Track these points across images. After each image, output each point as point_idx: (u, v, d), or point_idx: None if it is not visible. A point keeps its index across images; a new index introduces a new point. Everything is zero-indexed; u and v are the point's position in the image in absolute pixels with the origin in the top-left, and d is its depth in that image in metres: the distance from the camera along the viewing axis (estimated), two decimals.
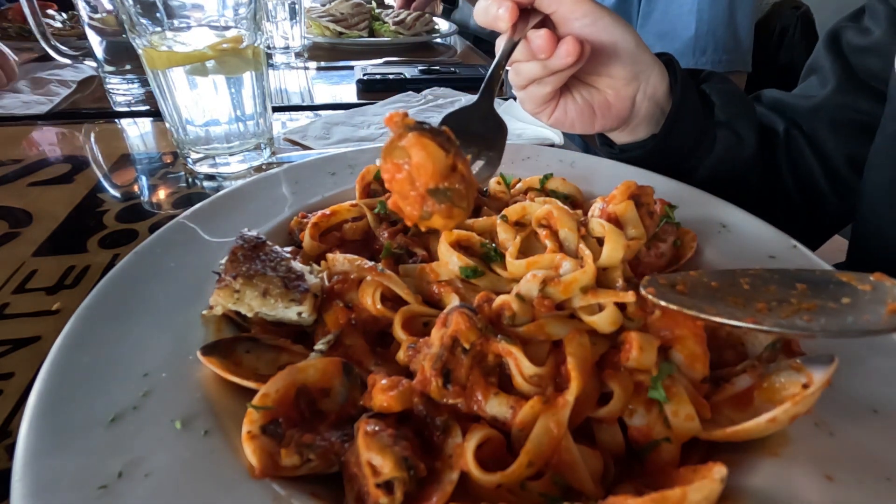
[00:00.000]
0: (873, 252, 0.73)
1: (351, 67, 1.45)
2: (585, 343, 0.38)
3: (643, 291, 0.40)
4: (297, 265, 0.45)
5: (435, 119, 1.07)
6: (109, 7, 1.01)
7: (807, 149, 0.81)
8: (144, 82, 1.12)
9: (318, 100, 1.25)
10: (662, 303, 0.39)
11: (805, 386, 0.35)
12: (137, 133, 1.01)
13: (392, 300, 0.46)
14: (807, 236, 0.65)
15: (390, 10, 1.97)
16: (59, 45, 1.04)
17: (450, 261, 0.48)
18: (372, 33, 1.80)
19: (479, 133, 0.60)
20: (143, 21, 0.70)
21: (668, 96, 0.73)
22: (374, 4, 1.94)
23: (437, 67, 1.36)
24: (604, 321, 0.39)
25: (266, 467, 0.32)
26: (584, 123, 0.73)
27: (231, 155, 0.82)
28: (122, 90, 1.14)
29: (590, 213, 0.52)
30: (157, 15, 0.70)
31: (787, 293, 0.39)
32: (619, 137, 0.80)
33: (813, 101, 0.80)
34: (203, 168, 0.82)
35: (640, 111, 0.73)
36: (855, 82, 0.76)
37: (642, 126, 0.75)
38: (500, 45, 0.64)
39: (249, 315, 0.43)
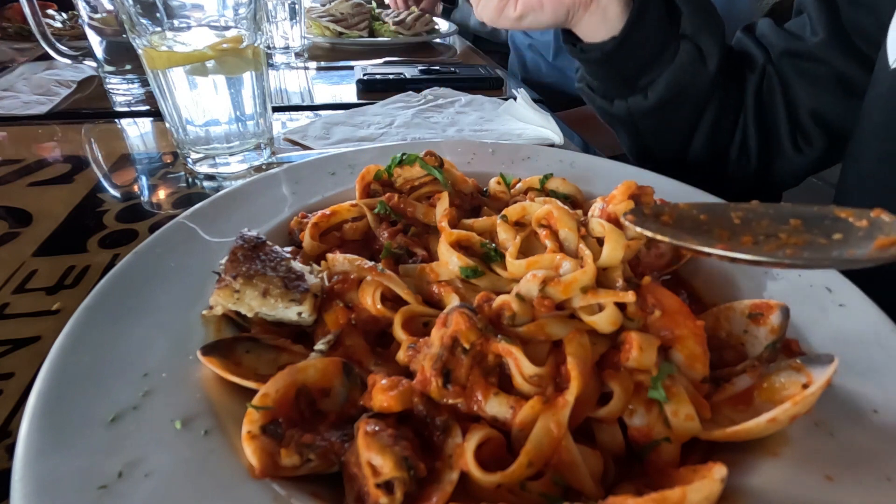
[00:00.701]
0: None
1: (351, 67, 1.44)
2: (585, 343, 0.38)
3: (622, 219, 0.40)
4: (297, 265, 0.45)
5: (435, 118, 1.07)
6: (109, 7, 1.01)
7: (778, 89, 0.80)
8: (144, 82, 1.12)
9: (318, 100, 1.25)
10: (637, 229, 0.38)
11: (805, 386, 0.35)
12: (137, 133, 1.01)
13: (392, 300, 0.46)
14: (755, 195, 0.64)
15: (390, 10, 1.97)
16: (59, 45, 1.04)
17: (450, 261, 0.48)
18: (372, 33, 1.80)
19: None
20: (143, 21, 0.70)
21: None
22: (374, 4, 1.94)
23: (437, 67, 1.36)
24: (604, 321, 0.39)
25: (266, 467, 0.32)
26: (554, 3, 0.72)
27: (231, 155, 0.82)
28: (122, 90, 1.14)
29: (590, 213, 0.52)
30: (157, 15, 0.70)
31: (778, 228, 0.37)
32: (586, 31, 0.78)
33: (796, 45, 0.78)
34: (203, 168, 0.82)
35: None
36: (841, 39, 0.74)
37: (612, 7, 0.74)
38: None
39: (249, 315, 0.43)
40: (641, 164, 0.93)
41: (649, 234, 0.37)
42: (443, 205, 0.55)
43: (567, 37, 0.84)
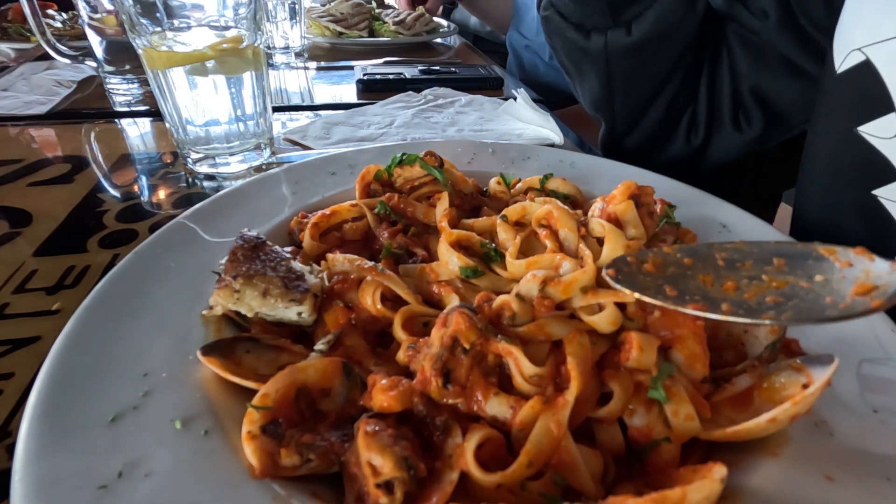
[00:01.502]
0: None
1: (351, 67, 1.44)
2: (585, 343, 0.38)
3: (604, 273, 0.39)
4: (297, 265, 0.45)
5: (435, 118, 1.07)
6: (109, 7, 1.01)
7: (725, 59, 0.78)
8: (144, 82, 1.12)
9: (318, 100, 1.25)
10: (616, 286, 0.38)
11: (805, 386, 0.35)
12: (137, 133, 1.01)
13: (392, 300, 0.46)
14: (692, 172, 0.61)
15: (390, 10, 1.97)
16: (59, 45, 1.04)
17: (450, 261, 0.48)
18: (372, 33, 1.80)
19: None
20: (143, 21, 0.70)
21: None
22: (374, 4, 1.94)
23: (437, 67, 1.36)
24: (604, 321, 0.39)
25: (266, 467, 0.32)
26: None
27: (231, 155, 0.82)
28: (122, 90, 1.14)
29: (590, 213, 0.52)
30: (157, 15, 0.70)
31: (762, 269, 0.37)
32: None
33: (749, 22, 0.75)
34: (203, 168, 0.82)
35: None
36: (790, 24, 0.71)
37: None
38: None
39: (249, 315, 0.43)
40: (596, 115, 0.89)
41: (627, 292, 0.37)
42: (443, 205, 0.55)
43: None
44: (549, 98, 1.38)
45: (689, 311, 0.35)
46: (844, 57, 0.56)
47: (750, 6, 0.75)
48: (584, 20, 0.76)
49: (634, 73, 0.79)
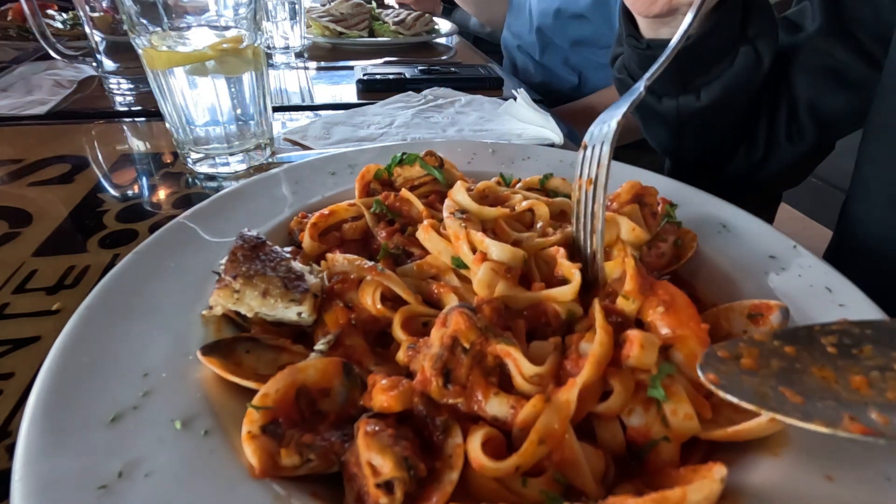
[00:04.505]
0: (864, 230, 0.71)
1: (351, 67, 1.44)
2: (608, 343, 0.38)
3: (702, 378, 0.33)
4: (297, 265, 0.45)
5: (435, 118, 1.07)
6: (109, 7, 1.01)
7: (781, 81, 0.80)
8: (144, 82, 1.12)
9: (318, 100, 1.25)
10: (733, 399, 0.31)
11: None
12: (137, 133, 1.01)
13: (392, 300, 0.46)
14: (747, 187, 0.61)
15: (390, 10, 1.97)
16: (59, 45, 1.04)
17: (440, 249, 0.48)
18: (372, 33, 1.80)
19: None
20: (143, 21, 0.70)
21: None
22: (374, 4, 1.94)
23: (437, 67, 1.36)
24: (565, 294, 0.42)
25: (266, 467, 0.32)
26: None
27: (231, 155, 0.82)
28: (122, 90, 1.14)
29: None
30: (157, 15, 0.70)
31: (889, 356, 0.31)
32: (656, 25, 0.76)
33: (795, 36, 0.78)
34: (203, 168, 0.82)
35: None
36: (839, 27, 0.73)
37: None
38: None
39: (249, 315, 0.43)
40: (663, 154, 0.92)
41: (754, 408, 0.30)
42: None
43: (629, 28, 0.80)
44: (543, 98, 1.38)
45: (855, 436, 0.28)
46: None
47: (800, 21, 0.78)
48: (655, 86, 0.79)
49: (704, 126, 0.83)
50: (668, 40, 0.74)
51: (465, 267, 0.47)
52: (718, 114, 0.78)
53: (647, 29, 0.78)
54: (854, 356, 0.32)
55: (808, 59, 0.77)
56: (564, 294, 0.43)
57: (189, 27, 0.74)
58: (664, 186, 0.62)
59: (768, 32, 0.75)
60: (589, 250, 0.47)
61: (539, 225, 0.52)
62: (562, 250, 0.47)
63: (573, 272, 0.44)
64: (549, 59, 1.71)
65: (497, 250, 0.45)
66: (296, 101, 1.23)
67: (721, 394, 0.32)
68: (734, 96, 0.77)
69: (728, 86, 0.75)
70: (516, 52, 1.83)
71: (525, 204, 0.54)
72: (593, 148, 0.46)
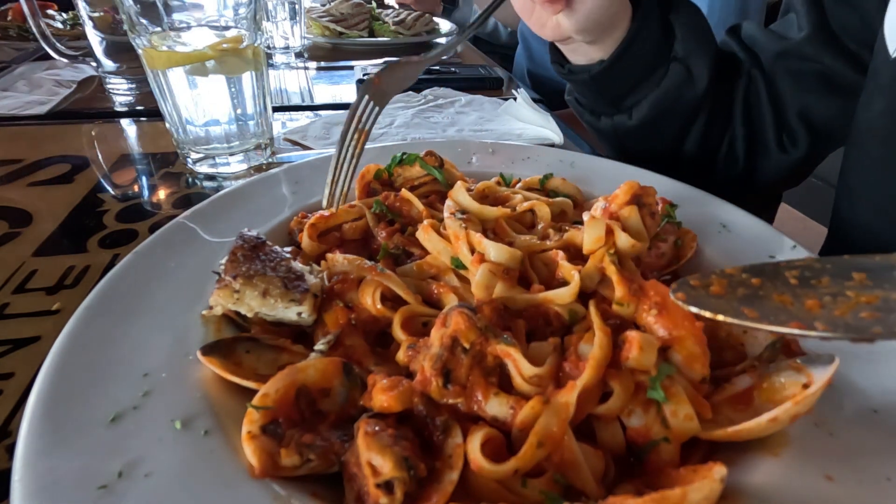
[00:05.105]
0: (853, 235, 0.72)
1: (351, 67, 1.44)
2: (608, 346, 0.38)
3: (672, 297, 0.37)
4: (297, 265, 0.45)
5: (435, 118, 1.07)
6: (109, 7, 1.01)
7: (764, 91, 0.80)
8: (144, 82, 1.12)
9: (318, 100, 1.25)
10: (694, 309, 0.35)
11: (805, 386, 0.35)
12: (137, 133, 1.01)
13: (392, 300, 0.46)
14: (741, 193, 0.63)
15: (390, 10, 1.97)
16: (59, 45, 1.04)
17: (438, 249, 0.48)
18: (372, 33, 1.80)
19: None
20: (143, 21, 0.70)
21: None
22: (374, 4, 1.94)
23: (437, 67, 1.36)
24: (564, 296, 0.42)
25: (266, 467, 0.32)
26: (602, 6, 0.70)
27: (231, 155, 0.82)
28: (122, 90, 1.14)
29: (592, 212, 0.52)
30: (157, 15, 0.70)
31: (843, 285, 0.34)
32: (577, 52, 0.80)
33: (782, 44, 0.78)
34: (203, 168, 0.82)
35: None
36: (826, 34, 0.74)
37: (609, 41, 0.75)
38: None
39: (249, 315, 0.43)
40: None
41: (709, 314, 0.34)
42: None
43: (555, 55, 0.84)
44: (559, 90, 1.38)
45: (789, 331, 0.32)
46: None
47: (786, 31, 0.78)
48: (592, 109, 0.88)
49: (644, 144, 0.86)
50: (591, 65, 0.78)
51: (465, 267, 0.47)
52: (655, 131, 0.80)
53: (567, 53, 0.82)
54: (812, 286, 0.35)
55: (797, 66, 0.77)
56: (563, 296, 0.42)
57: (189, 27, 0.74)
58: (664, 186, 0.62)
59: (701, 51, 0.76)
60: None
61: (540, 226, 0.52)
62: (562, 252, 0.47)
63: (573, 274, 0.44)
64: None
65: (495, 251, 0.45)
66: (296, 101, 1.23)
67: (684, 306, 0.36)
68: (666, 114, 0.79)
69: (657, 105, 0.77)
70: (534, 40, 1.84)
71: (526, 204, 0.54)
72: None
